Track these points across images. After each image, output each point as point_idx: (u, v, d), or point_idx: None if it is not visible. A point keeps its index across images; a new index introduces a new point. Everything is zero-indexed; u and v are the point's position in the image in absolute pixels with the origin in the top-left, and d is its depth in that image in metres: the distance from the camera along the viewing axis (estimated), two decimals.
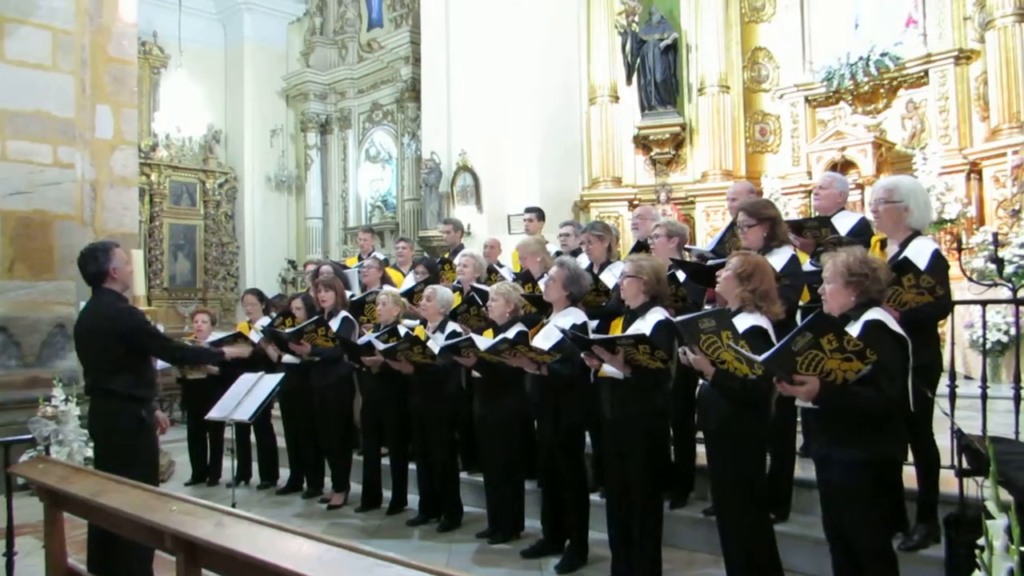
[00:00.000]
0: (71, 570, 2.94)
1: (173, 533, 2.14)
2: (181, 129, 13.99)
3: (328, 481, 6.38)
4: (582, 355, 4.13)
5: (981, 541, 2.01)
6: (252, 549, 1.88)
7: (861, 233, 4.36)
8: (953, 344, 4.45)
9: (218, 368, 6.67)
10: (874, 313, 3.09)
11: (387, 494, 5.98)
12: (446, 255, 7.63)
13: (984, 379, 4.25)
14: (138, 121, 9.25)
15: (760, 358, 3.05)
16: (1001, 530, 1.98)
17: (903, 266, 3.55)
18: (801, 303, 4.36)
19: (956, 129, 9.38)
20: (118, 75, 8.11)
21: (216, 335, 6.84)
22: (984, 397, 4.16)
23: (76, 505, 2.67)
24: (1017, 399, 4.07)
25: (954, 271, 4.21)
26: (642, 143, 11.85)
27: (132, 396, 3.96)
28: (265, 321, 7.03)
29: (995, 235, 4.92)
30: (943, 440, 3.85)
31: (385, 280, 6.93)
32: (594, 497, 4.85)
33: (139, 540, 2.41)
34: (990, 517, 2.04)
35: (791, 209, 10.37)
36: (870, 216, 4.34)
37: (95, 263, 4.04)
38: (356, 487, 6.18)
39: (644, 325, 3.97)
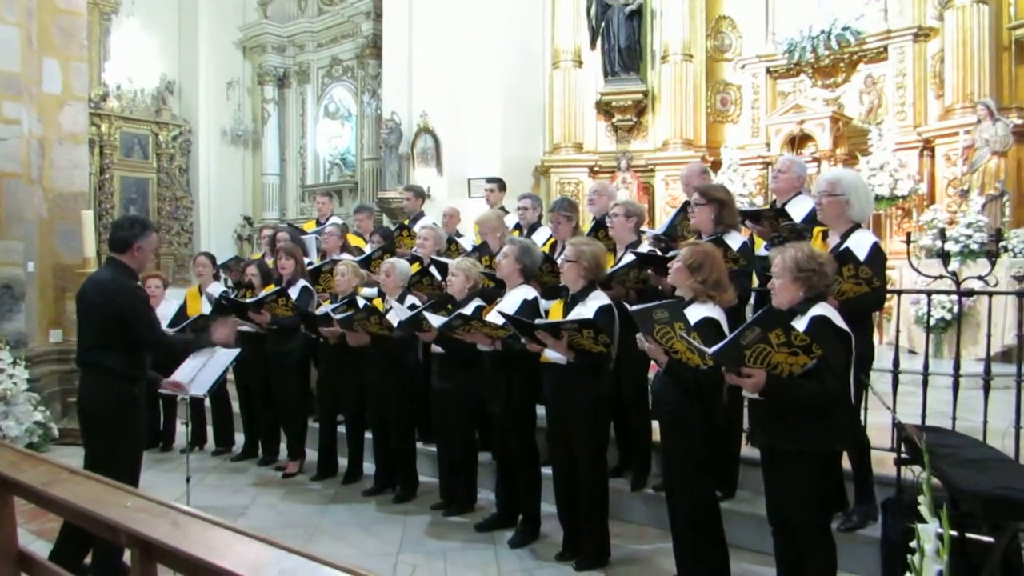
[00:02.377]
0: (22, 554, 2.92)
1: (127, 531, 2.14)
2: (133, 80, 13.57)
3: (284, 448, 6.40)
4: (523, 340, 4.17)
5: (914, 545, 2.13)
6: (209, 554, 1.89)
7: (816, 219, 4.44)
8: (898, 330, 4.58)
9: None
10: (820, 309, 3.18)
11: (342, 462, 6.02)
12: (406, 221, 7.58)
13: (926, 366, 4.40)
14: (88, 72, 8.95)
15: (710, 351, 3.12)
16: (932, 534, 2.08)
17: (845, 257, 3.66)
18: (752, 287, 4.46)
19: (912, 106, 9.55)
20: (66, 27, 7.83)
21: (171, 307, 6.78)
22: (925, 383, 4.31)
23: (27, 493, 2.64)
24: (956, 387, 4.23)
25: (904, 262, 4.32)
26: (604, 109, 11.84)
27: (126, 374, 3.91)
28: (215, 286, 6.95)
29: (942, 230, 5.04)
30: (879, 418, 4.00)
31: (345, 248, 6.87)
32: (548, 470, 4.94)
33: (95, 532, 2.41)
34: (922, 520, 2.14)
35: (748, 180, 10.49)
36: None
37: (126, 231, 3.96)
38: (312, 455, 6.21)
39: (586, 310, 4.04)
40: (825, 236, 4.01)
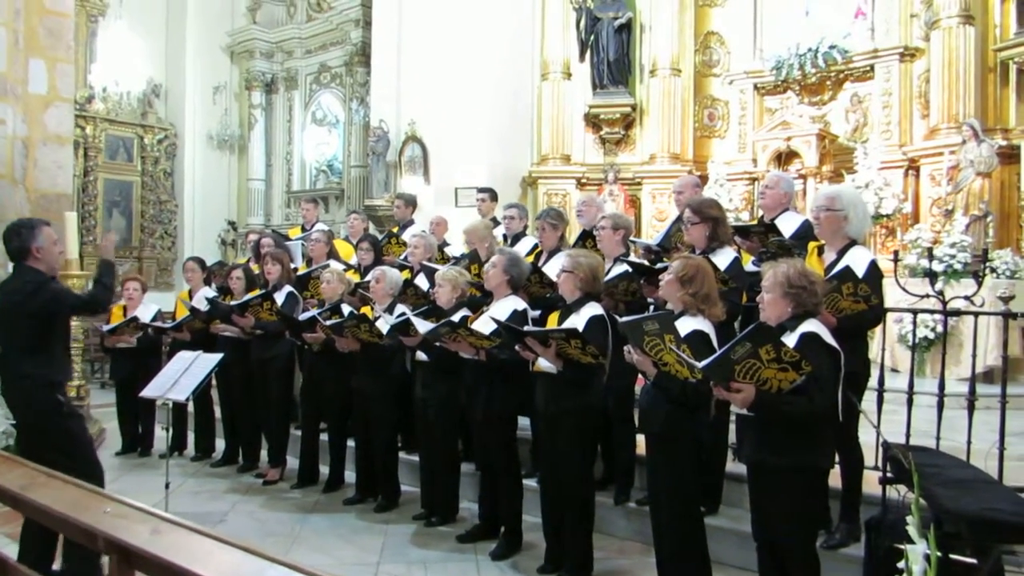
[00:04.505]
0: None
1: (105, 537, 2.10)
2: (119, 82, 13.48)
3: (264, 455, 6.33)
4: (515, 347, 4.16)
5: (900, 565, 2.12)
6: (190, 562, 1.85)
7: (804, 235, 4.44)
8: (884, 348, 4.59)
9: (136, 341, 6.69)
10: (810, 325, 3.17)
11: (323, 471, 5.96)
12: (395, 229, 7.56)
13: (911, 385, 4.41)
14: (74, 73, 8.88)
15: (700, 364, 3.11)
16: (920, 555, 2.08)
17: (844, 275, 3.66)
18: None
19: (897, 125, 9.63)
20: (53, 28, 7.74)
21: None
22: (910, 402, 4.32)
23: (4, 496, 2.59)
24: (940, 406, 4.24)
25: (890, 280, 4.34)
26: (592, 122, 11.87)
27: (48, 380, 3.82)
28: (206, 291, 6.90)
29: (930, 250, 5.06)
30: (866, 437, 3.99)
31: (332, 254, 6.83)
32: (531, 482, 4.92)
33: (72, 537, 2.36)
34: (911, 542, 2.14)
35: (735, 195, 10.54)
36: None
37: (18, 239, 3.85)
38: (292, 462, 6.14)
39: (578, 320, 4.03)
40: (821, 252, 4.01)
